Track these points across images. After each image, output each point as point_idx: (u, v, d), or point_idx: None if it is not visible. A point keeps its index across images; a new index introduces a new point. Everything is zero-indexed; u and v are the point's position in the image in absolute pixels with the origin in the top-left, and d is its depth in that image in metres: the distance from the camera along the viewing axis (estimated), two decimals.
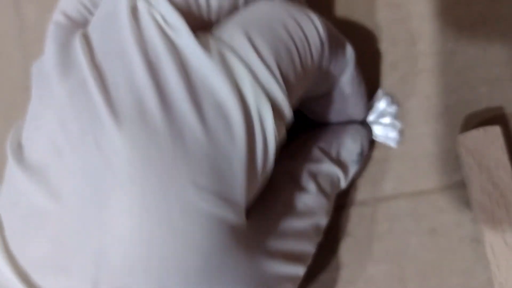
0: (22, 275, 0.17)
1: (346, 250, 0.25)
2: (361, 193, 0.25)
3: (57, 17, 0.20)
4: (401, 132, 0.25)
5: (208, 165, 0.17)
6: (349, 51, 0.22)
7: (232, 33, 0.18)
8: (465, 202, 0.24)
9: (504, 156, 0.22)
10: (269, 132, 0.18)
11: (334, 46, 0.21)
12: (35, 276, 0.17)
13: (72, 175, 0.17)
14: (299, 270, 0.21)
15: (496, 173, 0.22)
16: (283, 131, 0.19)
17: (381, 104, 0.25)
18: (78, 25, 0.20)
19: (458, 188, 0.24)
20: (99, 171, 0.16)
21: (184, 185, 0.16)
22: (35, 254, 0.17)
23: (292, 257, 0.21)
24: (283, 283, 0.20)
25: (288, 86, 0.18)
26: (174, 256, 0.17)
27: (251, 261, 0.19)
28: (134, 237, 0.16)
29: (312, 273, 0.24)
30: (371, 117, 0.25)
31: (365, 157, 0.25)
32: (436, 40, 0.25)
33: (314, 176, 0.22)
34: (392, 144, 0.24)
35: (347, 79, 0.22)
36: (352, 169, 0.24)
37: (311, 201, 0.22)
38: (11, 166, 0.18)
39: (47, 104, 0.18)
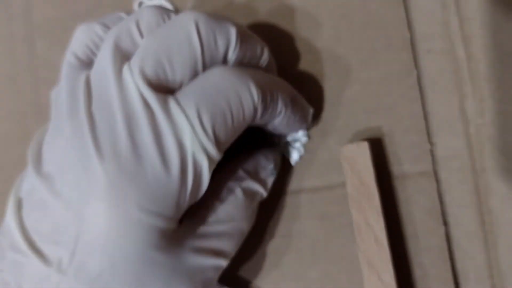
0: (31, 243, 0.22)
1: (261, 229, 0.29)
2: (272, 188, 0.28)
3: (69, 58, 0.25)
4: (301, 157, 0.29)
5: (155, 192, 0.21)
6: (280, 103, 0.25)
7: (188, 103, 0.22)
8: (345, 196, 0.28)
9: (369, 163, 0.27)
10: (204, 173, 0.23)
11: (267, 106, 0.24)
12: (40, 244, 0.22)
13: (68, 185, 0.22)
14: (221, 262, 0.25)
15: (363, 174, 0.27)
16: (214, 166, 0.23)
17: (300, 132, 0.29)
18: (84, 64, 0.24)
19: (344, 186, 0.28)
20: (84, 186, 0.21)
21: (134, 205, 0.21)
22: (41, 230, 0.22)
23: (214, 253, 0.24)
24: (206, 272, 0.24)
25: (219, 141, 0.23)
26: (123, 246, 0.21)
27: (178, 255, 0.23)
28: (102, 229, 0.21)
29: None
30: (288, 138, 0.29)
31: (279, 168, 0.28)
32: (330, 79, 0.29)
33: (236, 191, 0.26)
34: (292, 162, 0.29)
35: (279, 121, 0.26)
36: (270, 181, 0.27)
37: (231, 210, 0.25)
38: (30, 168, 0.23)
39: (59, 134, 0.23)
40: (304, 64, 0.30)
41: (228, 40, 0.23)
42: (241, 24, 0.25)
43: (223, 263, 0.25)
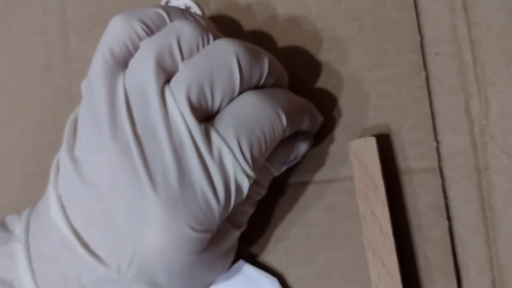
0: (86, 246, 0.24)
1: (273, 217, 0.30)
2: (285, 179, 0.29)
3: (104, 52, 0.24)
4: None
5: (203, 214, 0.23)
6: (303, 120, 0.27)
7: (228, 133, 0.23)
8: (352, 189, 0.28)
9: (376, 157, 0.27)
10: (245, 190, 0.24)
11: (292, 126, 0.26)
12: (94, 248, 0.24)
13: (123, 207, 0.23)
14: (240, 231, 0.27)
15: (369, 167, 0.27)
16: (251, 182, 0.24)
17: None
18: (119, 63, 0.24)
19: (352, 179, 0.28)
20: (140, 211, 0.22)
21: (185, 226, 0.23)
22: (94, 236, 0.24)
23: (238, 226, 0.27)
24: (232, 241, 0.27)
25: (255, 163, 0.24)
26: (176, 256, 0.23)
27: (217, 244, 0.25)
28: (158, 245, 0.23)
29: (253, 233, 0.30)
30: None
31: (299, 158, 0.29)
32: (341, 78, 0.30)
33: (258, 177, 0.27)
34: None
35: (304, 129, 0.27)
36: (284, 167, 0.28)
37: (252, 192, 0.27)
38: (71, 170, 0.23)
39: (101, 147, 0.23)
40: (317, 64, 0.30)
41: (262, 71, 0.25)
42: (268, 53, 0.26)
43: (242, 230, 0.27)
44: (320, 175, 0.30)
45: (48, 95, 0.33)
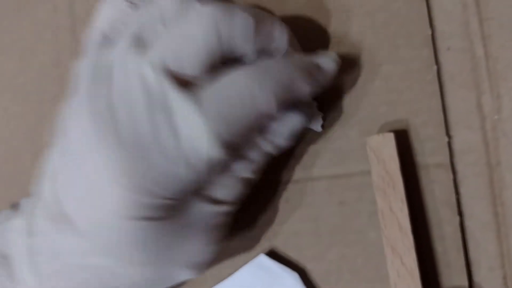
0: (67, 218, 0.24)
1: (283, 212, 0.29)
2: (295, 174, 0.29)
3: (92, 33, 0.24)
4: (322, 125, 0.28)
5: (164, 180, 0.22)
6: (302, 92, 0.24)
7: (210, 110, 0.22)
8: (367, 184, 0.27)
9: (394, 153, 0.26)
10: (216, 162, 0.23)
11: (287, 102, 0.24)
12: (72, 217, 0.24)
13: (89, 170, 0.23)
14: (223, 208, 0.25)
15: (388, 164, 0.26)
16: (227, 158, 0.23)
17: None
18: (108, 40, 0.24)
19: (363, 174, 0.28)
20: (104, 172, 0.22)
21: (146, 192, 0.22)
22: (68, 204, 0.24)
23: (216, 200, 0.25)
24: (213, 218, 0.25)
25: (233, 145, 0.23)
26: (136, 223, 0.22)
27: (185, 213, 0.24)
28: (117, 209, 0.22)
29: (263, 229, 0.29)
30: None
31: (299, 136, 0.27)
32: (352, 73, 0.29)
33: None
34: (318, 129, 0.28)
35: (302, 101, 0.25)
36: (282, 143, 0.25)
37: (238, 167, 0.25)
38: (58, 146, 0.25)
39: (77, 118, 0.23)
40: None
41: (245, 30, 0.23)
42: (257, 9, 0.24)
43: (227, 208, 0.25)
44: (331, 170, 0.29)
45: (58, 91, 0.31)
